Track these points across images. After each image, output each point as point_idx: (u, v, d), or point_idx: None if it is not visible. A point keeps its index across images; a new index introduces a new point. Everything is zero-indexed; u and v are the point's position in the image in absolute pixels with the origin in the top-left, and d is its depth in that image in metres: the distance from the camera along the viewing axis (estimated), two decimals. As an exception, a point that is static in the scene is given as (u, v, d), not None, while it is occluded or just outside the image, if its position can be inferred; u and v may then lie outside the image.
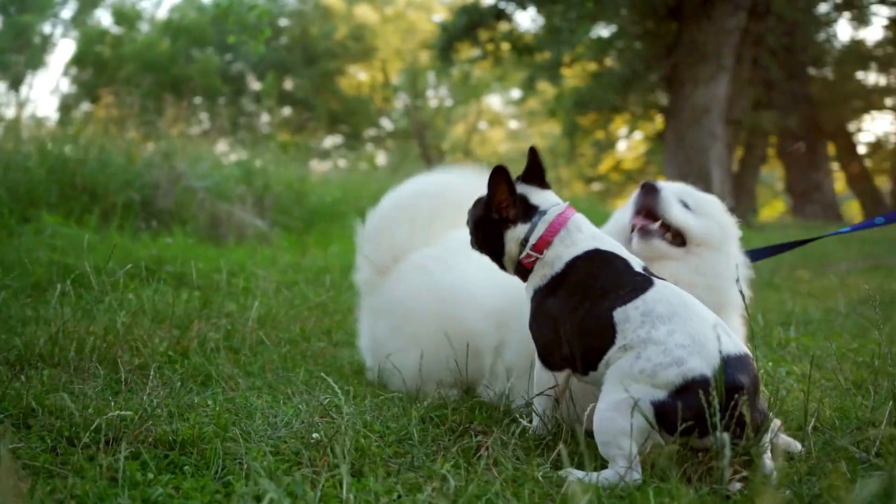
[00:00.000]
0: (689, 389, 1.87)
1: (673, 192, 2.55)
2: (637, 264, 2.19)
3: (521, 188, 2.31)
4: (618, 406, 1.93)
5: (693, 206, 2.55)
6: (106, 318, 3.03)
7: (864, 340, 4.12)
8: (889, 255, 10.73)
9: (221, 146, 12.15)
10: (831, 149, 28.71)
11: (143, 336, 2.90)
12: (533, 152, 2.34)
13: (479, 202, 2.35)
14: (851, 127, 30.74)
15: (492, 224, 2.29)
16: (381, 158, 34.18)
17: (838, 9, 29.34)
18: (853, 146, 30.36)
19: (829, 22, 29.65)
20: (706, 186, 11.60)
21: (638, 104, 24.27)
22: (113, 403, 2.16)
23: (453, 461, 1.95)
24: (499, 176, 2.25)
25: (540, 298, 2.22)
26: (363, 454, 1.98)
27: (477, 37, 18.33)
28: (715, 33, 17.70)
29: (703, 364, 1.89)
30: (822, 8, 27.35)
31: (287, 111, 33.19)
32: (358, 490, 1.75)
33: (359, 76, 35.90)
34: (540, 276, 2.22)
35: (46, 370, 2.53)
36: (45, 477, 1.77)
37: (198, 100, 29.60)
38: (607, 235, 2.29)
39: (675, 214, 2.47)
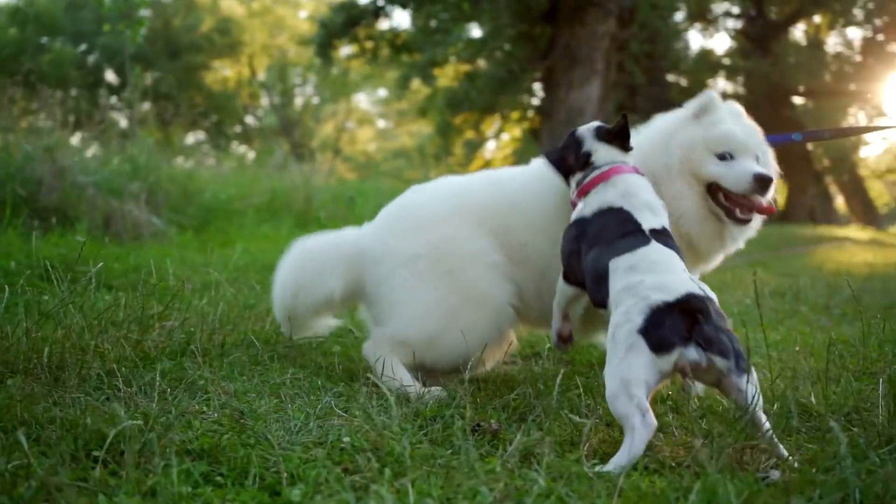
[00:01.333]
0: (656, 313, 2.07)
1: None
2: (648, 224, 2.39)
3: (595, 145, 2.66)
4: (618, 361, 2.06)
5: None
6: (50, 322, 2.78)
7: (787, 330, 4.35)
8: (759, 252, 11.42)
9: (76, 139, 11.39)
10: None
11: (103, 341, 2.68)
12: (624, 117, 2.64)
13: (555, 148, 2.79)
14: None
15: (560, 167, 2.72)
16: (250, 155, 33.36)
17: (691, 19, 31.04)
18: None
19: (683, 31, 31.31)
20: None
21: (511, 105, 24.75)
22: (124, 413, 1.97)
23: (500, 461, 1.90)
24: (570, 138, 2.74)
25: (570, 228, 2.58)
26: (394, 455, 1.90)
27: (357, 34, 18.18)
28: (588, 38, 18.32)
29: (665, 296, 2.09)
30: (677, 17, 28.79)
31: (147, 105, 31.81)
32: (420, 494, 1.68)
33: (224, 71, 34.87)
34: (577, 213, 2.57)
35: (9, 379, 2.29)
36: (77, 494, 1.60)
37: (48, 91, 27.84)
38: (642, 192, 2.52)
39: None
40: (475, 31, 21.54)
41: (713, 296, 2.17)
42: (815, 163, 33.55)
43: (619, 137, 2.65)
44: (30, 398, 2.10)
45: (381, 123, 42.55)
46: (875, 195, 41.88)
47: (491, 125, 30.70)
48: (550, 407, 2.30)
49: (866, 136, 35.99)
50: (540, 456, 1.92)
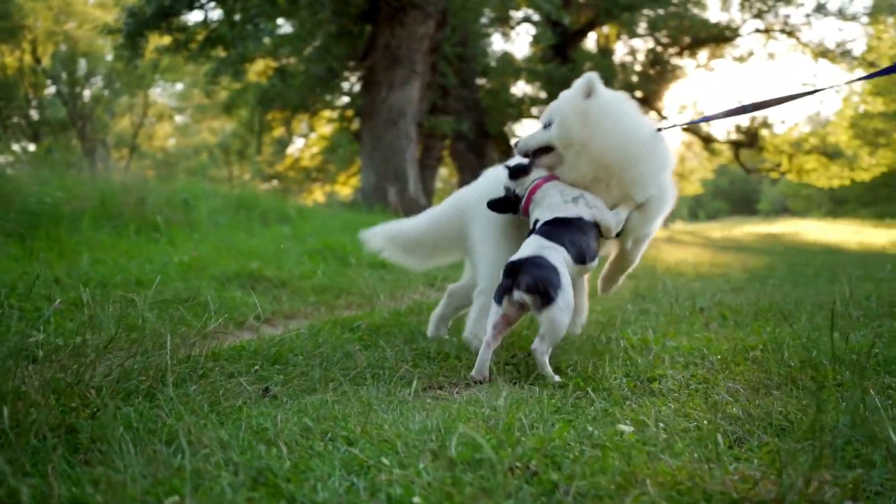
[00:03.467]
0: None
1: (539, 124, 3.44)
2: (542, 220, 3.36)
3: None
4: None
5: (552, 120, 3.34)
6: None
7: (688, 337, 4.47)
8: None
9: None
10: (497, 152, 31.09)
11: (34, 387, 2.23)
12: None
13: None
14: (509, 132, 33.71)
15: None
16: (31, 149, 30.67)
17: (493, 24, 32.05)
18: (511, 149, 33.32)
19: (487, 35, 32.24)
20: (403, 186, 12.31)
21: (326, 103, 24.36)
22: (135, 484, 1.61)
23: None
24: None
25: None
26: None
27: (170, 25, 17.07)
28: (408, 39, 18.32)
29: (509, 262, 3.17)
30: (483, 21, 29.59)
31: None
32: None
33: (3, 58, 31.67)
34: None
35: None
36: None
37: None
38: (549, 198, 3.38)
39: (529, 143, 3.46)
40: (288, 27, 20.88)
41: (542, 253, 3.13)
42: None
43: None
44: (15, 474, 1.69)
45: (180, 119, 40.52)
46: (657, 195, 45.17)
47: (299, 124, 30.09)
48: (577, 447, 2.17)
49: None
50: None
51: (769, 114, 32.50)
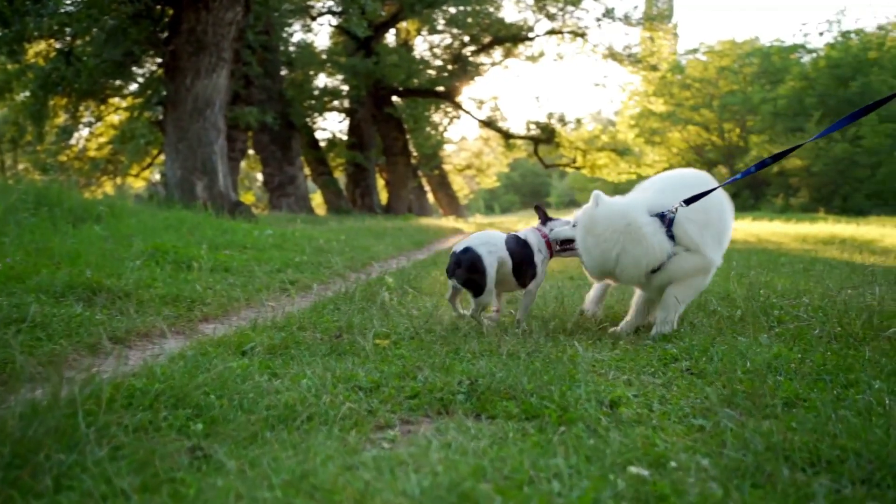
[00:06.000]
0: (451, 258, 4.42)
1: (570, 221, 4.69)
2: (531, 243, 4.64)
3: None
4: None
5: (576, 223, 4.48)
6: None
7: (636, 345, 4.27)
8: (431, 246, 11.64)
9: None
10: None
11: None
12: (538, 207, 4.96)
13: None
14: (313, 124, 32.96)
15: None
16: None
17: (295, 13, 31.13)
18: (316, 142, 32.61)
19: (288, 24, 31.26)
20: (212, 180, 11.58)
21: (118, 90, 22.56)
22: None
23: None
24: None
25: None
26: None
27: (-63, -6, 14.93)
28: (214, 24, 17.24)
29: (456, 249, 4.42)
30: (285, 8, 28.59)
31: None
32: None
33: None
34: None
35: None
36: None
37: None
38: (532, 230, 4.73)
39: (559, 235, 4.69)
40: (89, 7, 18.94)
41: (478, 248, 4.31)
42: (412, 159, 35.77)
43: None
44: None
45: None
46: (457, 188, 46.17)
47: (85, 111, 27.67)
48: None
49: (450, 136, 39.63)
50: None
51: (565, 111, 34.03)
